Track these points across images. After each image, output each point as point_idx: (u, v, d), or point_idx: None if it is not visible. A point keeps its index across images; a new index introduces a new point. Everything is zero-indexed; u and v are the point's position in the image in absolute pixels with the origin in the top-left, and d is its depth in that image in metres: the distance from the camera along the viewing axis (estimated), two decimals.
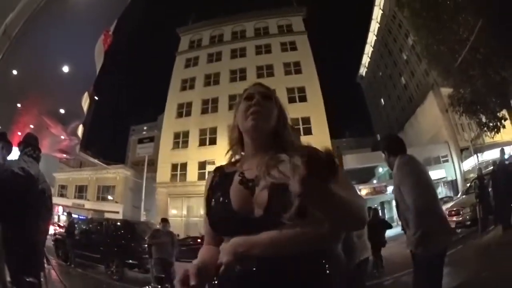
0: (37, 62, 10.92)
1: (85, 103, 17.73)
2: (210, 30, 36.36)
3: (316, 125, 26.58)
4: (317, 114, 27.32)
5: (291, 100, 27.47)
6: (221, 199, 1.23)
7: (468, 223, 10.06)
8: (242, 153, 1.39)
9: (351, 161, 25.20)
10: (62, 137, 16.80)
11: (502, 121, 10.82)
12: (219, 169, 1.40)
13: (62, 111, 14.33)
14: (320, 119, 27.22)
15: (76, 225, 12.57)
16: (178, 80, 33.47)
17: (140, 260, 9.84)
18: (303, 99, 28.64)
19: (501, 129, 10.97)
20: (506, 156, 9.67)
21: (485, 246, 7.78)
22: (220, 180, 1.32)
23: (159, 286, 7.84)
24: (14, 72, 11.03)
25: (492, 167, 9.36)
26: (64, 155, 22.73)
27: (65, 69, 11.99)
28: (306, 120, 26.38)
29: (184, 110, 31.57)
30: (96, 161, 34.48)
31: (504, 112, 10.78)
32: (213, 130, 28.76)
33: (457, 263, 7.27)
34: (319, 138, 23.58)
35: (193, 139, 29.75)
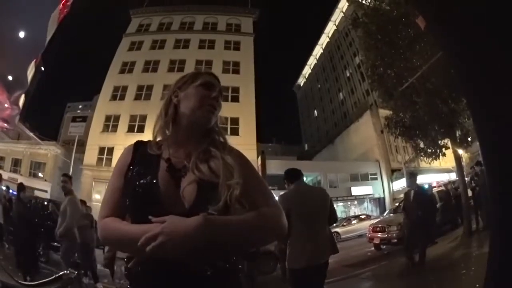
0: None
1: (30, 72, 16.38)
2: (160, 17, 35.43)
3: (245, 127, 26.68)
4: (247, 116, 27.50)
5: (224, 99, 27.24)
6: (146, 182, 1.18)
7: (395, 241, 10.19)
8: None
9: (274, 167, 24.95)
10: (6, 105, 15.23)
11: (443, 149, 10.69)
12: (141, 146, 1.34)
13: (10, 77, 13.03)
14: (249, 122, 27.58)
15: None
16: (119, 62, 32.27)
17: None
18: (235, 99, 28.63)
19: (441, 157, 10.85)
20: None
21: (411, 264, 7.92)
22: (144, 160, 1.26)
23: (76, 272, 7.28)
24: None
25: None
26: (5, 125, 20.58)
27: (21, 34, 10.93)
28: (235, 121, 26.29)
29: (119, 94, 30.57)
30: (31, 134, 32.15)
31: (446, 141, 10.60)
32: (143, 118, 28.09)
33: (381, 278, 7.54)
34: (245, 140, 23.63)
35: (123, 124, 28.94)
